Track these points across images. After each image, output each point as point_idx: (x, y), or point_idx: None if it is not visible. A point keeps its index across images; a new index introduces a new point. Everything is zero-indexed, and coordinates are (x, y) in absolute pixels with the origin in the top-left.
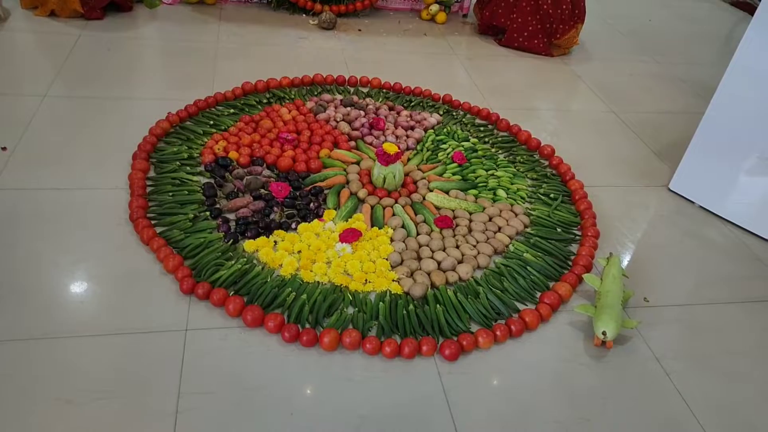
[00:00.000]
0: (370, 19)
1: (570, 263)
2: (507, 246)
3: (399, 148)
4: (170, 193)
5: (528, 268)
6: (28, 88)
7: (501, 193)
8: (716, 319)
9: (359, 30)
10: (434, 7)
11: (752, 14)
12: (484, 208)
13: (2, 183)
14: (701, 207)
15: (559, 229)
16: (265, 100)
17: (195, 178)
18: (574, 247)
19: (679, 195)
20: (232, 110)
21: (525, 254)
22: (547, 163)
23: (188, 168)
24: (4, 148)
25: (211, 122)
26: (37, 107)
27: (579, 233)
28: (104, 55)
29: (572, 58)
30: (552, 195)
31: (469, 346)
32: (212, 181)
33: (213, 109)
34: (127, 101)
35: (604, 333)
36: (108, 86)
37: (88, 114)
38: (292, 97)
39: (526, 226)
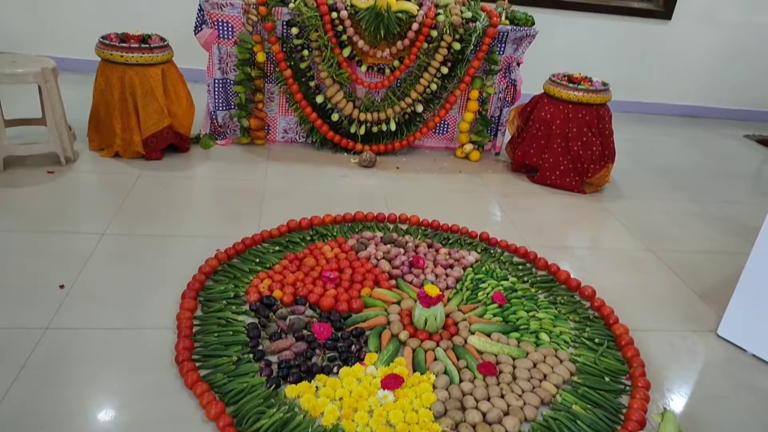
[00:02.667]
0: (408, 157)
1: (622, 417)
2: (554, 396)
3: (439, 289)
4: (215, 334)
5: (578, 422)
6: (89, 226)
7: (544, 336)
8: None
9: (397, 168)
10: (468, 147)
11: None
12: (528, 353)
13: (57, 322)
14: (754, 355)
15: (607, 378)
16: (308, 238)
17: (240, 318)
18: (624, 398)
19: (729, 341)
20: (277, 247)
21: (574, 406)
22: (588, 304)
23: (234, 307)
24: (61, 286)
25: (257, 260)
26: (96, 245)
27: (628, 383)
28: (160, 193)
29: (605, 195)
30: (597, 340)
31: None
32: (256, 321)
33: (259, 246)
34: (180, 238)
35: None
36: (163, 224)
37: (143, 251)
38: (335, 234)
39: (572, 374)
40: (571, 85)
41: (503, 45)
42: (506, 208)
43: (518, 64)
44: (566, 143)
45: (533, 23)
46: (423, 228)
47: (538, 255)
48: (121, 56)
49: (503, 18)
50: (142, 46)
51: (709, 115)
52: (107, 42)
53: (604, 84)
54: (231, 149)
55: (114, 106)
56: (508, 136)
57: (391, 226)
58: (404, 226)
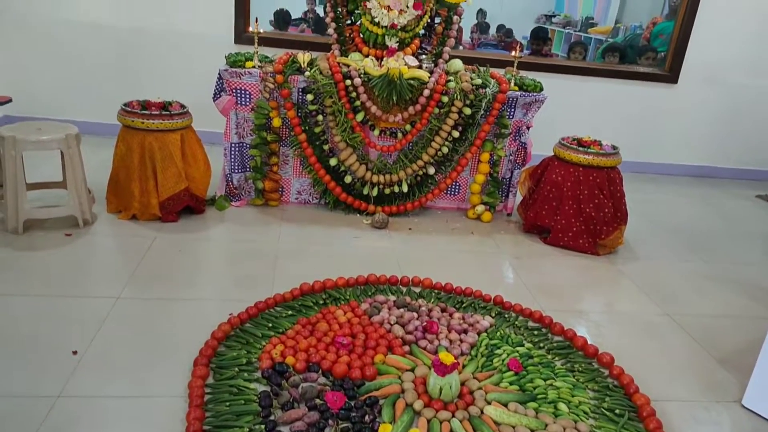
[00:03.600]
0: (420, 218)
1: None
2: None
3: (454, 356)
4: (227, 403)
5: None
6: (104, 290)
7: (562, 407)
8: None
9: (410, 229)
10: (480, 208)
11: None
12: (547, 425)
13: (69, 390)
14: None
15: None
16: (321, 301)
17: (252, 386)
18: None
19: (755, 413)
20: (290, 311)
21: None
22: (607, 372)
23: (246, 374)
24: (74, 352)
25: (270, 324)
26: (110, 310)
27: None
28: (175, 255)
29: (618, 257)
30: (617, 411)
31: None
32: (268, 389)
33: (272, 310)
34: (194, 302)
35: None
36: (177, 287)
37: (157, 316)
38: (347, 297)
39: None
40: (581, 148)
41: (513, 109)
42: (519, 270)
43: (528, 128)
44: (578, 205)
45: (542, 89)
46: (436, 291)
47: (553, 319)
48: (143, 123)
49: (512, 84)
50: (163, 113)
51: (720, 175)
52: (129, 109)
53: (614, 147)
54: (246, 211)
55: (133, 170)
56: (519, 198)
57: (404, 289)
58: (417, 289)
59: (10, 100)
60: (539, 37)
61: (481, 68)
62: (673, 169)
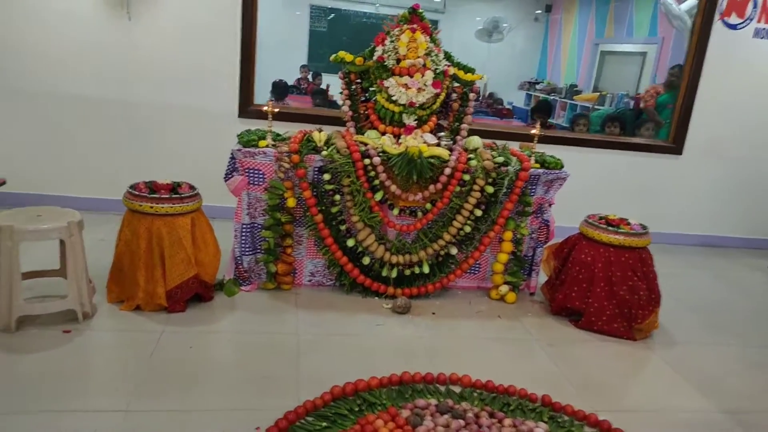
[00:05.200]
0: (441, 300)
1: None
2: None
3: None
4: None
5: None
6: (109, 402)
7: None
8: None
9: (433, 313)
10: (504, 288)
11: None
12: None
13: None
14: None
15: None
16: (356, 408)
17: None
18: None
19: None
20: (324, 423)
21: None
22: None
23: None
24: None
25: None
26: (117, 428)
27: None
28: (186, 353)
29: (655, 341)
30: None
31: None
32: None
33: (303, 421)
34: (213, 413)
35: None
36: (192, 394)
37: None
38: (384, 402)
39: None
40: (611, 228)
41: (534, 187)
42: (557, 359)
43: (550, 205)
44: (611, 287)
45: (562, 166)
46: (478, 391)
47: (612, 424)
48: (151, 207)
49: (533, 161)
50: (173, 196)
51: (727, 245)
52: (136, 192)
53: (643, 227)
54: (257, 296)
55: (139, 257)
56: (542, 276)
57: (443, 389)
58: (457, 389)
59: (4, 182)
60: (543, 110)
61: (500, 145)
62: (679, 239)
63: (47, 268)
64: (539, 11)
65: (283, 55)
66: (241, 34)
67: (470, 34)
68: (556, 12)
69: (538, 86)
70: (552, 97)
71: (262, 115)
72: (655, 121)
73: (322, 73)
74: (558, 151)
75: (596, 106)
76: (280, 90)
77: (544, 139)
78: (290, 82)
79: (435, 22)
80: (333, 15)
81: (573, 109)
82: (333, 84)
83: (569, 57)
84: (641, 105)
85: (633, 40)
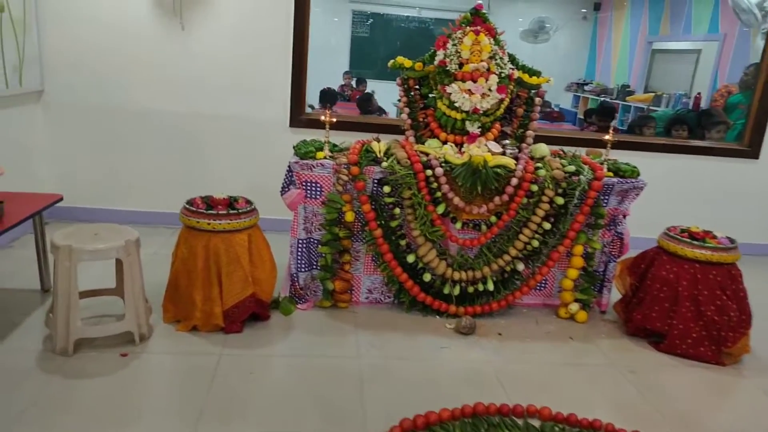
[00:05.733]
0: (506, 319)
1: None
2: None
3: None
4: None
5: None
6: (169, 430)
7: None
8: None
9: (499, 334)
10: (574, 306)
11: None
12: None
13: None
14: None
15: None
16: None
17: None
18: None
19: None
20: None
21: None
22: None
23: None
24: None
25: None
26: None
27: None
28: (247, 380)
29: (746, 367)
30: None
31: None
32: None
33: None
34: None
35: None
36: (258, 426)
37: None
38: None
39: None
40: (696, 242)
41: (607, 197)
42: (641, 389)
43: (624, 217)
44: (697, 307)
45: (638, 174)
46: (559, 426)
47: None
48: (208, 224)
49: (605, 169)
50: (230, 212)
51: None
52: (194, 209)
53: (731, 240)
54: (314, 315)
55: (197, 276)
56: (614, 293)
57: (520, 422)
58: (535, 421)
59: (60, 199)
60: (606, 113)
61: (565, 150)
62: (753, 249)
63: (103, 287)
64: (584, 10)
65: (325, 61)
66: (293, 41)
67: (515, 35)
68: (605, 10)
69: (586, 87)
70: (603, 98)
71: (312, 124)
72: (723, 122)
73: (366, 80)
74: (621, 156)
75: (651, 107)
76: (328, 97)
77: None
78: (335, 86)
79: None
80: (374, 20)
81: (626, 111)
82: (377, 90)
83: (620, 56)
84: (705, 105)
85: (690, 38)
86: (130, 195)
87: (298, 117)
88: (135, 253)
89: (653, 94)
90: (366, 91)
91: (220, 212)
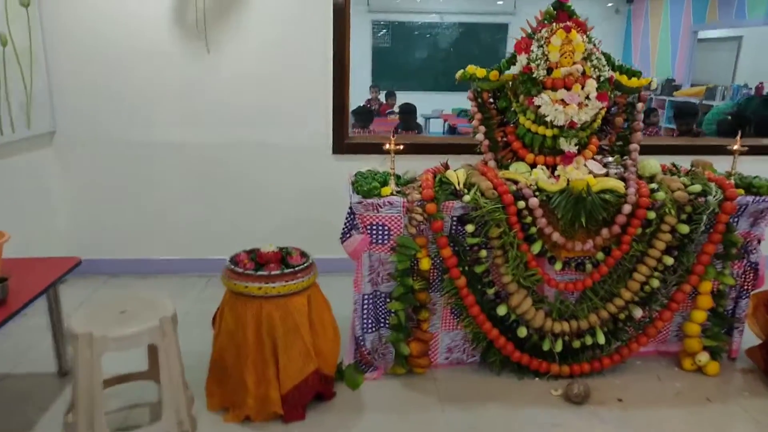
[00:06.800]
0: (620, 378)
1: None
2: None
3: None
4: None
5: None
6: None
7: None
8: None
9: (619, 400)
10: (703, 356)
11: None
12: None
13: None
14: None
15: None
16: None
17: None
18: None
19: None
20: None
21: None
22: None
23: None
24: None
25: None
26: None
27: None
28: None
29: None
30: None
31: None
32: None
33: None
34: None
35: None
36: None
37: None
38: None
39: None
40: None
41: (736, 219)
42: None
43: (759, 242)
44: None
45: None
46: None
47: None
48: (259, 288)
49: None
50: (285, 271)
51: None
52: (240, 270)
53: None
54: (386, 386)
55: (247, 352)
56: (746, 335)
57: None
58: None
59: (78, 263)
60: (688, 114)
61: (678, 166)
62: None
63: (133, 371)
64: (611, 4)
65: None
66: (332, 58)
67: None
68: (640, 1)
69: None
70: (648, 95)
71: (357, 149)
72: None
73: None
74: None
75: (705, 102)
76: (364, 116)
77: (685, 150)
78: (359, 103)
79: (505, 26)
80: (395, 29)
81: (672, 107)
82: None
83: (660, 49)
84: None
85: (746, 23)
86: (158, 241)
87: (342, 142)
88: (172, 334)
89: (705, 87)
90: (394, 106)
91: (273, 272)
